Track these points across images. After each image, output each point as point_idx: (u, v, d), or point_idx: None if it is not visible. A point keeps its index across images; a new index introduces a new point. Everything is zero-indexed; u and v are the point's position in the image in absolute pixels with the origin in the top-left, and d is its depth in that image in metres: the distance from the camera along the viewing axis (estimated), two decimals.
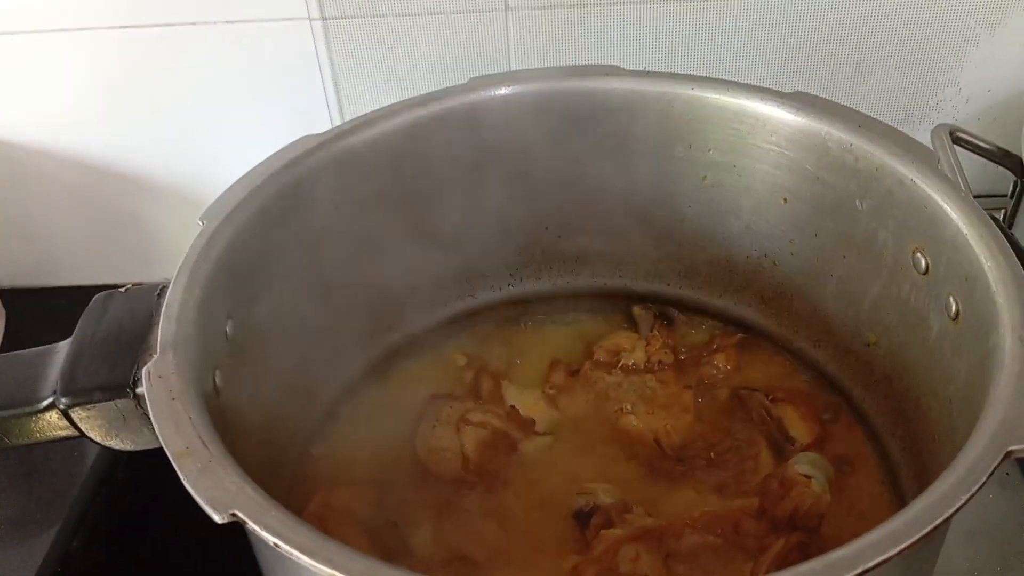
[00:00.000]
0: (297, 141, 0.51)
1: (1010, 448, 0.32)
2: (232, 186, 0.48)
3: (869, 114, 0.50)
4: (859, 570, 0.29)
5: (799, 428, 0.54)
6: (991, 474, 0.32)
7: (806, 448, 0.53)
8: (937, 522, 0.30)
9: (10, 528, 0.66)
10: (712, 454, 0.54)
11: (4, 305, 0.82)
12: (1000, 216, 0.71)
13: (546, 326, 0.63)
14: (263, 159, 0.50)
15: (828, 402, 0.56)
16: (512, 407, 0.57)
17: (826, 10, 0.70)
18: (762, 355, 0.60)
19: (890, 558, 0.29)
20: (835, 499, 0.50)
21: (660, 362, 0.59)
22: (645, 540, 0.48)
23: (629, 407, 0.57)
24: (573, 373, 0.60)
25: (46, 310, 0.82)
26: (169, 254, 0.45)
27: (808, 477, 0.49)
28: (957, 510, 0.31)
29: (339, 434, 0.56)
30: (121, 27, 0.72)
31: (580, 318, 0.63)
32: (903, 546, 0.29)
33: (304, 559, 0.31)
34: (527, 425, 0.56)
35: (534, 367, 0.60)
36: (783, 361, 0.59)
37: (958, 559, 0.58)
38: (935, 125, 0.64)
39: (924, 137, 0.67)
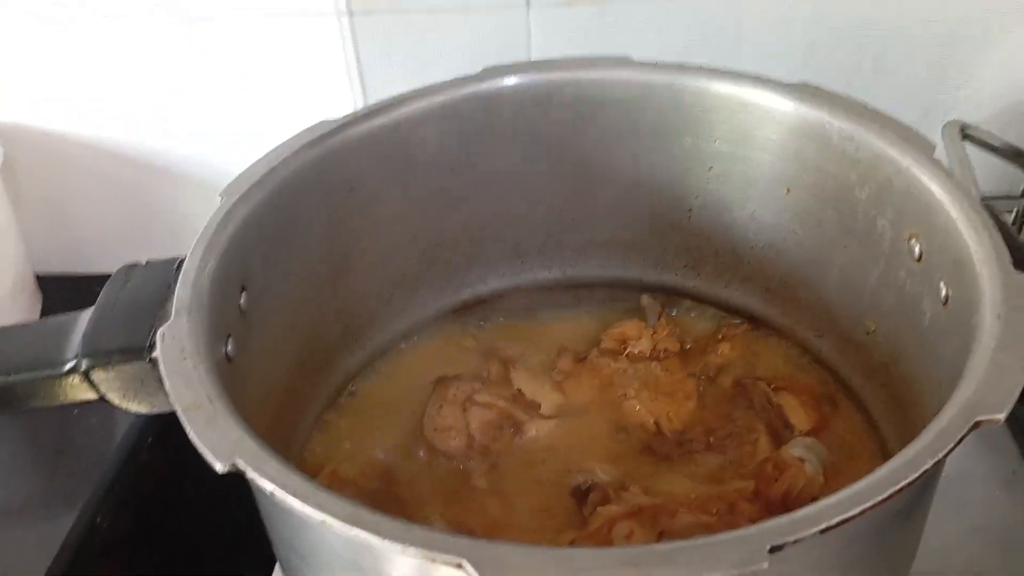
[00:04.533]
0: (314, 125, 0.53)
1: (979, 418, 0.33)
2: (251, 166, 0.50)
3: (877, 108, 0.51)
4: (820, 527, 0.30)
5: (799, 416, 0.55)
6: (959, 442, 0.33)
7: (805, 435, 0.54)
8: (902, 484, 0.31)
9: (38, 503, 0.69)
10: (711, 439, 0.55)
11: (40, 289, 0.86)
12: (1012, 216, 0.71)
13: (555, 314, 0.64)
14: (281, 142, 0.52)
15: (828, 390, 0.57)
16: (518, 390, 0.59)
17: (846, 8, 0.71)
18: (766, 345, 0.60)
19: (851, 518, 0.30)
20: (832, 484, 0.51)
21: (666, 350, 0.60)
22: (640, 517, 0.49)
23: (633, 393, 0.58)
24: (580, 360, 0.61)
25: (79, 295, 0.86)
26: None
27: (802, 460, 0.50)
28: (921, 475, 0.32)
29: (348, 411, 0.58)
30: (151, 18, 0.75)
31: (588, 307, 0.64)
32: (865, 506, 0.31)
33: (297, 504, 0.33)
34: (532, 408, 0.58)
35: (542, 354, 0.62)
36: (786, 351, 0.59)
37: (962, 554, 0.59)
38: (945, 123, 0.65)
39: (939, 135, 0.68)
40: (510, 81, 0.56)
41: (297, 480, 0.34)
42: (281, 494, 0.33)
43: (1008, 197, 0.73)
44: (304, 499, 0.33)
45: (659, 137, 0.57)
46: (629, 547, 0.30)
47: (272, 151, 0.52)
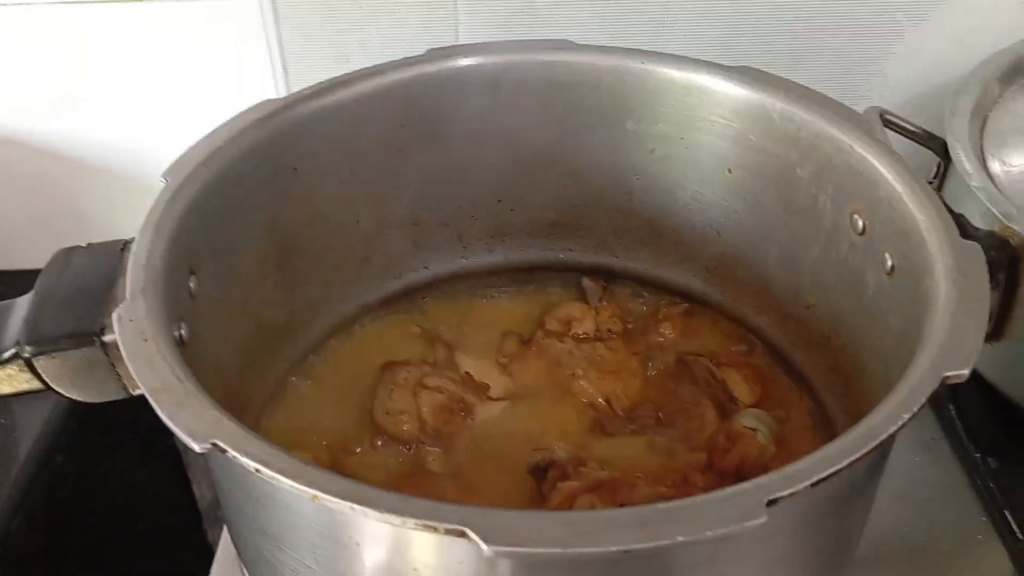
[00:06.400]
0: (258, 104, 0.51)
1: (946, 374, 0.35)
2: (195, 145, 0.48)
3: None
4: (812, 480, 0.31)
5: (742, 389, 0.57)
6: (930, 397, 0.34)
7: (750, 407, 0.56)
8: (883, 437, 0.33)
9: None
10: (660, 414, 0.56)
11: None
12: None
13: (498, 298, 0.64)
14: (225, 120, 0.50)
15: (769, 365, 0.59)
16: (466, 373, 0.59)
17: (763, 2, 0.73)
18: (707, 322, 0.62)
19: (840, 470, 0.32)
20: (777, 454, 0.53)
21: (609, 331, 0.61)
22: (600, 491, 0.49)
23: (580, 372, 0.59)
24: (525, 342, 0.61)
25: None
26: (112, 237, 0.46)
27: (753, 430, 0.52)
28: (900, 427, 0.33)
29: (295, 398, 0.57)
30: (63, 3, 0.72)
31: (531, 290, 0.65)
32: (852, 458, 0.32)
33: (287, 482, 0.32)
34: (482, 390, 0.58)
35: (486, 338, 0.62)
36: (727, 328, 0.61)
37: (888, 518, 0.61)
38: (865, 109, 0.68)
39: None
40: (456, 63, 0.55)
41: (283, 457, 0.33)
42: (268, 472, 0.32)
43: None
44: (294, 477, 0.32)
45: (601, 120, 0.58)
46: (634, 507, 0.30)
47: (215, 131, 0.50)
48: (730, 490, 0.31)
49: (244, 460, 0.32)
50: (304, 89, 0.53)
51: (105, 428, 0.73)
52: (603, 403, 0.57)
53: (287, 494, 0.33)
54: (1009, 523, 0.60)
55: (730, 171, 0.56)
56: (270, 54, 0.75)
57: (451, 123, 0.57)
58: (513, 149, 0.59)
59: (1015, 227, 0.54)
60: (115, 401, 0.43)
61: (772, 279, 0.57)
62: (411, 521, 0.30)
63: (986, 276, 0.39)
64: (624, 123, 0.58)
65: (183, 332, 0.43)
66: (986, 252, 0.42)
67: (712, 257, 0.60)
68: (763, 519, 0.30)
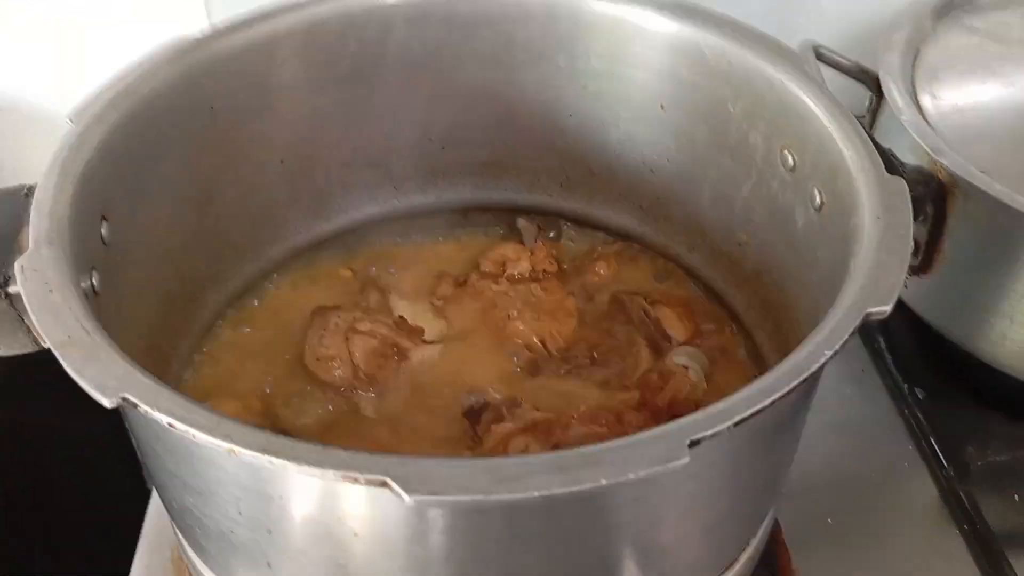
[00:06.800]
0: (170, 42, 0.49)
1: (869, 310, 0.35)
2: (102, 86, 0.46)
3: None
4: (734, 420, 0.31)
5: (676, 327, 0.57)
6: (852, 333, 0.35)
7: (683, 345, 0.56)
8: (805, 376, 0.33)
9: None
10: (595, 354, 0.56)
11: None
12: None
13: (431, 239, 0.63)
14: (135, 59, 0.48)
15: (702, 302, 0.59)
16: (400, 317, 0.58)
17: None
18: (640, 261, 0.62)
19: (762, 409, 0.32)
20: (709, 391, 0.53)
21: (544, 271, 0.61)
22: (534, 432, 0.49)
23: (515, 314, 0.58)
24: (460, 284, 0.60)
25: None
26: (21, 178, 0.43)
27: (685, 368, 0.52)
28: (823, 365, 0.33)
29: (223, 346, 0.55)
30: None
31: (465, 231, 0.64)
32: (775, 397, 0.32)
33: (202, 436, 0.31)
34: (415, 333, 0.57)
35: (420, 280, 0.61)
36: (660, 266, 0.61)
37: (817, 449, 0.62)
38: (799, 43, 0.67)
39: None
40: None
41: (198, 411, 0.32)
42: (182, 427, 0.31)
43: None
44: (209, 431, 0.31)
45: (533, 56, 0.57)
46: (556, 452, 0.30)
47: (124, 70, 0.47)
48: (652, 431, 0.31)
49: (156, 415, 0.31)
50: (218, 25, 0.50)
51: (37, 377, 0.71)
52: (538, 344, 0.57)
53: (205, 449, 0.32)
54: (936, 452, 0.62)
55: (663, 107, 0.56)
56: None
57: (377, 60, 0.55)
58: (443, 86, 0.57)
59: (943, 161, 0.54)
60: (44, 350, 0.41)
61: (705, 217, 0.57)
62: (331, 472, 0.30)
63: (909, 211, 0.39)
64: (556, 59, 0.56)
65: (95, 281, 0.41)
66: (913, 187, 0.42)
67: (646, 195, 0.60)
68: (685, 460, 0.30)
